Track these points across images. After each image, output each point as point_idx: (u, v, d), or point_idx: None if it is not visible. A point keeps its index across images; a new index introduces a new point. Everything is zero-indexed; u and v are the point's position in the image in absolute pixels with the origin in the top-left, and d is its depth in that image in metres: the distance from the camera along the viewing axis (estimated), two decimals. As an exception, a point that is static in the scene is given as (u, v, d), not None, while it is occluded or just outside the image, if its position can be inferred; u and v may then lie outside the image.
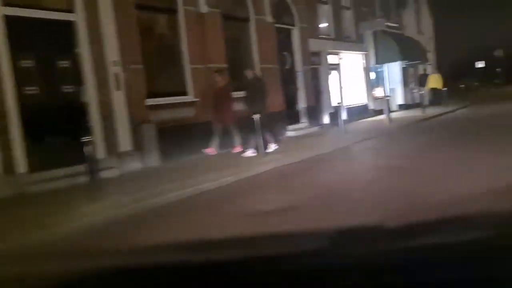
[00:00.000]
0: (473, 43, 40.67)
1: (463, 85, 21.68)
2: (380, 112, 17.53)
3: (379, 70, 19.07)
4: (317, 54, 14.22)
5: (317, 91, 14.18)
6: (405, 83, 19.61)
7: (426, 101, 16.05)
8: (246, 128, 8.16)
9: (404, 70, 19.73)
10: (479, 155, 6.56)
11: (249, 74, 8.80)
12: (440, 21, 26.44)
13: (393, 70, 19.19)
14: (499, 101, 19.04)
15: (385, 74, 19.05)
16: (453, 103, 18.53)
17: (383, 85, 19.15)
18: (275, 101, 11.48)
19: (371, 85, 17.47)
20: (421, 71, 18.82)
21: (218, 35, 9.83)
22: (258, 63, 11.17)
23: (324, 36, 14.68)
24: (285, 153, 8.40)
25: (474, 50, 38.23)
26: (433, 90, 17.28)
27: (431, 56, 23.73)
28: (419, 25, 22.89)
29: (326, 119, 14.34)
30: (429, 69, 23.87)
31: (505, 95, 23.87)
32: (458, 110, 16.73)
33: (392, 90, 19.18)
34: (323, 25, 14.78)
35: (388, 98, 13.84)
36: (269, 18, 11.47)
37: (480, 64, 37.35)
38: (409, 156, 7.44)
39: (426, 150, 8.00)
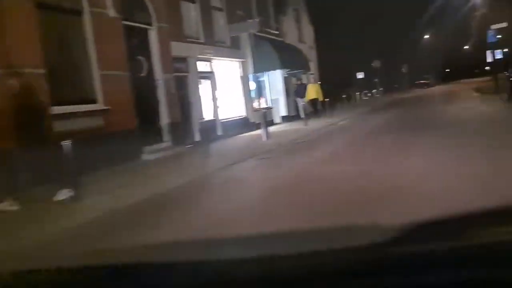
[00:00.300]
0: (354, 53, 42.23)
1: (344, 96, 21.28)
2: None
3: (260, 79, 17.64)
4: (183, 60, 12.13)
5: (185, 104, 12.05)
6: (288, 93, 18.44)
7: (307, 112, 14.87)
8: (43, 160, 5.59)
9: (287, 80, 18.58)
10: (364, 181, 4.98)
11: (13, 83, 5.99)
12: (321, 30, 26.27)
13: (275, 80, 17.91)
14: (379, 111, 18.86)
15: (266, 83, 17.69)
16: (335, 115, 17.78)
17: (264, 95, 17.78)
18: (124, 116, 9.09)
19: (250, 95, 15.87)
20: (300, 81, 17.69)
21: (30, 30, 7.18)
22: (97, 69, 8.68)
23: (192, 40, 12.63)
24: (109, 192, 6.02)
25: (355, 61, 39.65)
26: (313, 101, 16.19)
27: (313, 65, 23.15)
28: (300, 34, 22.15)
29: (197, 136, 12.26)
30: (312, 79, 23.27)
31: (383, 104, 24.26)
32: (341, 122, 15.88)
33: (274, 100, 17.89)
34: (189, 26, 12.71)
35: (265, 110, 12.26)
36: (112, 13, 9.06)
37: (360, 75, 38.66)
38: (278, 190, 5.61)
39: (305, 175, 6.30)
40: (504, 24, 22.38)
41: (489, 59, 35.22)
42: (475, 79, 49.50)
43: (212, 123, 13.36)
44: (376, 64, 31.30)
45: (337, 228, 0.80)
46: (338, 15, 34.13)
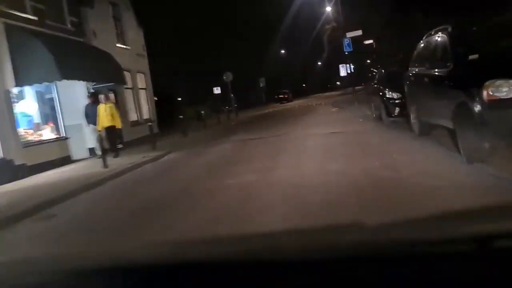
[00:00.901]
0: (208, 67, 38.41)
1: (181, 116, 16.54)
2: (44, 167, 10.31)
3: (47, 96, 11.90)
4: None
5: None
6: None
7: (103, 146, 9.66)
8: None
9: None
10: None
11: None
12: (158, 36, 21.40)
13: (73, 97, 12.27)
14: (227, 135, 14.41)
15: (57, 102, 11.97)
16: (167, 144, 12.91)
17: (57, 120, 12.05)
18: None
19: (17, 123, 10.04)
20: (92, 98, 12.08)
21: None
22: None
23: None
24: None
25: (211, 75, 35.80)
26: (109, 129, 10.91)
27: (143, 78, 18.00)
28: (122, 37, 16.83)
29: None
30: (144, 95, 18.08)
31: (235, 124, 19.91)
32: (167, 155, 11.00)
33: (73, 127, 12.21)
34: None
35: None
36: None
37: (217, 90, 34.85)
38: None
39: None
40: (359, 32, 20.18)
41: (342, 73, 34.06)
42: (328, 93, 49.94)
43: None
44: (228, 77, 27.39)
45: (322, 227, 0.85)
46: (183, 21, 29.70)
